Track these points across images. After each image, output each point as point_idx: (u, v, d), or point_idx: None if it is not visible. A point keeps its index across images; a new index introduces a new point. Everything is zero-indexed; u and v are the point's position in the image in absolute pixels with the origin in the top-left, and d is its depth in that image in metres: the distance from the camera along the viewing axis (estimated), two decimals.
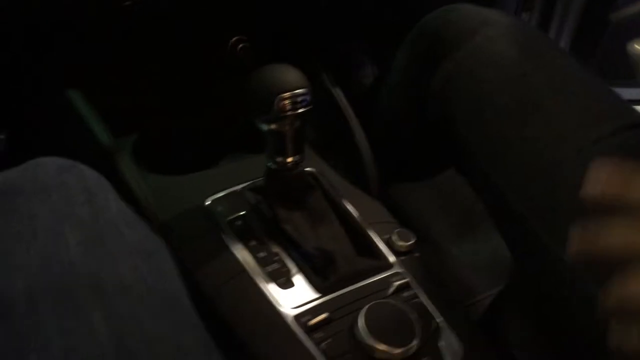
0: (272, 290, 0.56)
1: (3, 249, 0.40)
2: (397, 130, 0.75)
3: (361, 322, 0.52)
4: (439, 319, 0.56)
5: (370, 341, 0.51)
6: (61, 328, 0.36)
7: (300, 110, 0.55)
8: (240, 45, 0.78)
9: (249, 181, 0.66)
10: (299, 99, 0.55)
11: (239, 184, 0.66)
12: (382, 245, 0.62)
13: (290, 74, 0.55)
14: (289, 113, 0.55)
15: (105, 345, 0.36)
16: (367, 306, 0.53)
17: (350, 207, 0.65)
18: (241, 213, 0.63)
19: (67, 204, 0.44)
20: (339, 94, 0.75)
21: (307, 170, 0.67)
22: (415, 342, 0.52)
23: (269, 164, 0.60)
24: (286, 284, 0.57)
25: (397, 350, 0.51)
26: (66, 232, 0.42)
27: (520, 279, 0.69)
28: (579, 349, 0.55)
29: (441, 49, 0.65)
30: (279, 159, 0.58)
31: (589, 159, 0.32)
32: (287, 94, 0.54)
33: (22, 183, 0.44)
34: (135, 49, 0.68)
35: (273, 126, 0.56)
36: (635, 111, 0.57)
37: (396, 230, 0.63)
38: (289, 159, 0.59)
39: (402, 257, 0.62)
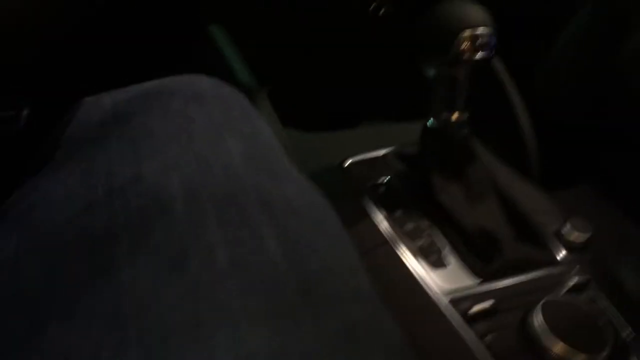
0: (422, 268, 0.47)
1: (154, 146, 0.34)
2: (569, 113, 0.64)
3: (538, 317, 0.42)
4: (627, 329, 0.45)
5: (548, 341, 0.41)
6: (226, 236, 0.29)
7: (482, 55, 0.46)
8: (382, 10, 0.71)
9: (391, 147, 0.57)
10: (483, 40, 0.46)
11: (379, 149, 0.57)
12: (551, 236, 0.51)
13: (475, 10, 0.47)
14: (468, 57, 0.46)
15: (278, 262, 0.29)
16: (544, 300, 0.43)
17: (514, 190, 0.55)
18: (384, 179, 0.54)
19: (225, 115, 0.38)
20: (498, 65, 0.65)
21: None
22: (605, 351, 0.41)
23: (429, 122, 0.51)
24: (438, 262, 0.47)
25: (580, 356, 0.41)
26: (227, 139, 0.35)
27: None
28: None
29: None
30: (445, 114, 0.50)
31: None
32: (471, 32, 0.45)
33: (178, 88, 0.38)
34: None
35: (446, 71, 0.47)
36: None
37: (569, 219, 0.52)
38: (456, 115, 0.50)
39: (576, 253, 0.50)
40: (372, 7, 0.71)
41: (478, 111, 0.66)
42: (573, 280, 0.47)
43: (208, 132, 0.35)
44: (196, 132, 0.35)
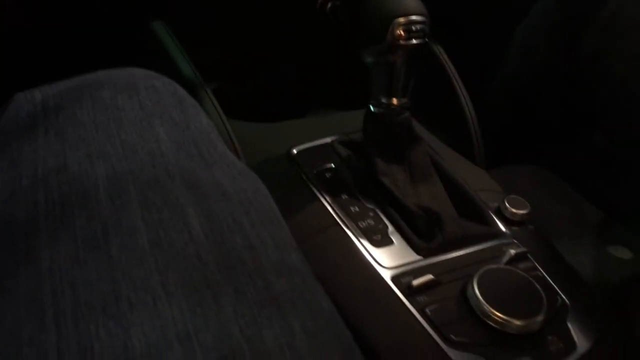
0: (366, 246, 0.48)
1: (81, 136, 0.34)
2: (527, 91, 0.66)
3: (476, 286, 0.44)
4: (563, 295, 0.47)
5: (487, 309, 0.43)
6: (149, 219, 0.30)
7: (418, 41, 0.48)
8: (330, 5, 0.72)
9: (337, 135, 0.59)
10: (417, 26, 0.48)
11: (326, 136, 0.59)
12: (490, 212, 0.53)
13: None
14: (404, 42, 0.48)
15: (201, 243, 0.30)
16: (482, 269, 0.45)
17: (454, 170, 0.57)
18: (331, 165, 0.55)
19: (156, 104, 0.38)
20: (440, 50, 0.67)
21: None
22: (540, 316, 0.43)
23: (370, 106, 0.53)
24: (382, 241, 0.49)
25: (520, 322, 0.42)
26: (157, 127, 0.36)
27: None
28: None
29: None
30: (385, 100, 0.51)
31: None
32: (404, 19, 0.47)
33: (109, 80, 0.39)
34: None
35: (383, 58, 0.49)
36: None
37: (508, 197, 0.54)
38: (396, 101, 0.51)
39: (515, 228, 0.53)
40: (319, 3, 0.72)
41: (423, 94, 0.68)
42: (511, 253, 0.49)
43: (137, 121, 0.36)
44: (125, 120, 0.36)
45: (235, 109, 0.62)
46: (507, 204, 0.54)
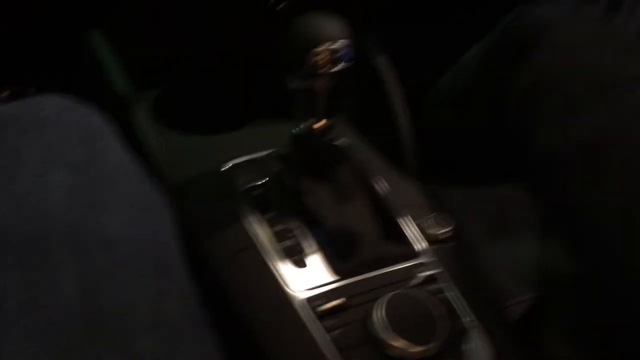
0: (284, 268, 0.50)
1: None
2: (455, 128, 0.67)
3: (378, 313, 0.46)
4: (467, 318, 0.49)
5: (385, 335, 0.45)
6: (23, 280, 0.32)
7: (338, 67, 0.49)
8: (280, 5, 0.72)
9: (274, 148, 0.60)
10: (338, 53, 0.48)
11: (262, 150, 0.60)
12: (413, 230, 0.55)
13: (329, 25, 0.48)
14: (324, 70, 0.48)
15: (71, 303, 0.32)
16: (386, 296, 0.47)
17: (382, 186, 0.58)
18: (261, 182, 0.57)
19: (61, 144, 0.39)
20: (382, 62, 0.68)
21: (341, 142, 0.60)
22: (436, 341, 0.45)
23: (294, 129, 0.54)
24: (300, 262, 0.51)
25: (415, 349, 0.45)
26: (51, 174, 0.37)
27: (572, 291, 0.62)
28: None
29: (524, 53, 0.57)
30: (307, 123, 0.52)
31: None
32: (322, 48, 0.47)
33: (18, 117, 0.40)
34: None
35: (305, 83, 0.50)
36: None
37: (432, 214, 0.56)
38: (318, 124, 0.52)
39: (435, 246, 0.55)
40: (271, 2, 0.72)
41: (363, 106, 0.70)
42: (422, 275, 0.51)
43: (36, 166, 0.37)
44: (20, 170, 0.37)
45: (174, 119, 0.64)
46: (428, 223, 0.55)
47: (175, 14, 0.64)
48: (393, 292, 0.48)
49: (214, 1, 0.66)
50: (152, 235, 0.39)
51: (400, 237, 0.55)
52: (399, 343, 0.45)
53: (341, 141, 0.61)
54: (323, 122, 0.53)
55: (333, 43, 0.48)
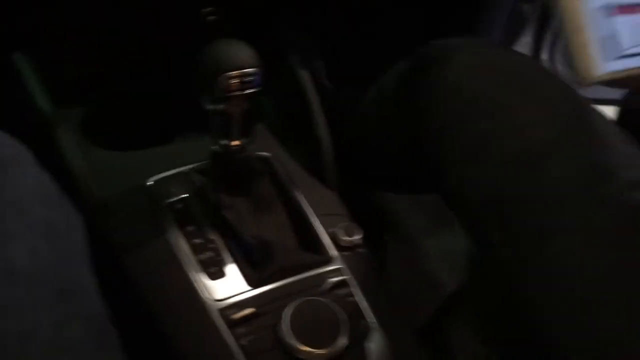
0: (201, 280, 0.54)
1: None
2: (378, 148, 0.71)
3: (285, 320, 0.50)
4: (371, 319, 0.54)
5: (292, 340, 0.50)
6: None
7: (247, 92, 0.52)
8: (212, 17, 0.75)
9: (198, 162, 0.63)
10: (247, 79, 0.52)
11: (187, 164, 0.63)
12: (325, 239, 0.60)
13: (238, 51, 0.52)
14: (235, 94, 0.52)
15: None
16: (292, 303, 0.51)
17: (300, 197, 0.62)
18: (184, 196, 0.60)
19: None
20: (305, 77, 0.72)
21: (259, 155, 0.64)
22: (339, 343, 0.50)
23: (213, 147, 0.57)
24: (217, 274, 0.55)
25: (319, 351, 0.50)
26: None
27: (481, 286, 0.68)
28: None
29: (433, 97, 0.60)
30: (224, 142, 0.56)
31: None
32: (233, 73, 0.51)
33: None
34: (93, 8, 0.65)
35: (217, 107, 0.53)
36: None
37: (342, 224, 0.60)
38: (234, 143, 0.56)
39: (345, 253, 0.59)
40: (205, 11, 0.74)
41: (281, 119, 0.73)
42: (332, 281, 0.55)
43: None
44: None
45: (98, 136, 0.66)
46: (340, 231, 0.60)
47: (100, 32, 0.66)
48: (301, 299, 0.52)
49: (138, 16, 0.68)
50: (59, 262, 0.41)
51: (314, 246, 0.59)
52: (303, 347, 0.49)
53: (260, 154, 0.65)
54: (238, 141, 0.56)
55: (243, 69, 0.51)
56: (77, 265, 0.43)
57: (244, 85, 0.52)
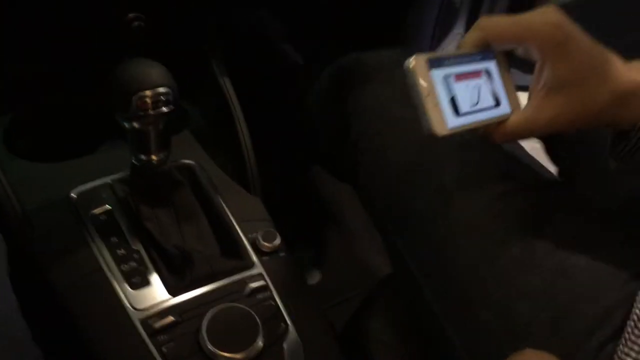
0: (124, 290, 0.56)
1: None
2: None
3: (204, 327, 0.53)
4: (288, 321, 0.58)
5: (211, 346, 0.52)
6: None
7: (162, 110, 0.54)
8: (136, 24, 0.76)
9: (121, 172, 0.65)
10: (161, 97, 0.53)
11: (110, 175, 0.65)
12: (246, 245, 0.62)
13: (151, 71, 0.53)
14: (150, 112, 0.53)
15: None
16: (211, 311, 0.54)
17: (222, 204, 0.65)
18: (107, 207, 0.62)
19: None
20: (226, 84, 0.74)
21: (181, 163, 0.66)
22: (256, 346, 0.53)
23: (133, 160, 0.59)
24: (140, 283, 0.57)
25: (237, 355, 0.53)
26: None
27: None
28: None
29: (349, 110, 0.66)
30: (143, 157, 0.58)
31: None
32: (146, 92, 0.52)
33: None
34: (16, 16, 0.65)
35: (133, 124, 0.55)
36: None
37: (262, 230, 0.63)
38: (153, 157, 0.58)
39: (265, 258, 0.62)
40: (131, 17, 0.75)
41: (205, 127, 0.75)
42: (251, 286, 0.59)
43: None
44: None
45: (20, 147, 0.67)
46: (260, 236, 0.63)
47: (19, 41, 0.66)
48: (219, 306, 0.55)
49: (61, 21, 0.68)
50: None
51: (235, 252, 0.62)
52: (222, 352, 0.52)
53: (182, 162, 0.67)
54: (157, 155, 0.58)
55: (154, 89, 0.53)
56: None
57: (157, 104, 0.54)
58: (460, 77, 0.46)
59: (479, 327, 0.52)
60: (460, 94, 0.46)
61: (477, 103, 0.47)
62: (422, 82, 0.43)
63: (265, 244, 0.63)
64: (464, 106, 0.46)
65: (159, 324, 0.54)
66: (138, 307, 0.55)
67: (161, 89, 0.53)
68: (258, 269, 0.61)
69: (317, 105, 0.74)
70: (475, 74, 0.48)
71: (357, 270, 1.01)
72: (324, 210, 0.96)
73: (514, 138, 0.50)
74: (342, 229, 1.05)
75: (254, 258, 0.62)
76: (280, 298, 0.60)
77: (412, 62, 0.44)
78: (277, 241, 0.63)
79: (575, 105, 0.47)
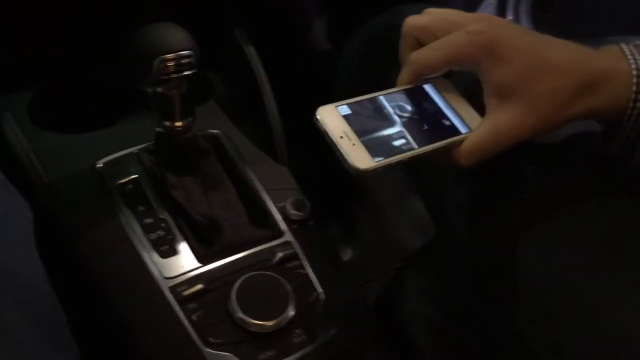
0: (152, 258, 0.55)
1: None
2: None
3: (233, 295, 0.52)
4: (320, 290, 0.56)
5: (241, 314, 0.51)
6: None
7: (184, 73, 0.53)
8: None
9: (147, 142, 0.64)
10: (183, 61, 0.52)
11: (136, 145, 0.64)
12: (275, 214, 0.61)
13: (172, 34, 0.52)
14: (172, 76, 0.52)
15: None
16: (241, 279, 0.53)
17: (249, 173, 0.63)
18: (133, 176, 0.61)
19: None
20: (251, 51, 0.72)
21: (206, 132, 0.65)
22: (286, 315, 0.52)
23: (157, 128, 0.58)
24: (168, 252, 0.56)
25: (268, 323, 0.51)
26: None
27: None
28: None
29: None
30: (167, 123, 0.57)
31: None
32: (168, 56, 0.51)
33: None
34: None
35: (156, 89, 0.54)
36: None
37: (291, 198, 0.62)
38: (177, 123, 0.57)
39: (295, 227, 0.61)
40: None
41: (232, 95, 0.74)
42: (280, 255, 0.57)
43: None
44: None
45: (45, 120, 0.66)
46: (289, 205, 0.61)
47: (41, 14, 0.65)
48: (249, 273, 0.54)
49: None
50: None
51: (263, 221, 0.60)
52: (252, 320, 0.51)
53: (208, 131, 0.65)
54: (182, 121, 0.57)
55: (175, 53, 0.51)
56: (16, 253, 0.44)
57: (180, 67, 0.52)
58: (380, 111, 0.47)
59: None
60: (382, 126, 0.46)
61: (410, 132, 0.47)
62: (330, 127, 0.44)
63: (295, 212, 0.61)
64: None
65: (188, 291, 0.53)
66: (167, 275, 0.54)
67: (183, 52, 0.52)
68: (287, 237, 0.59)
69: (346, 71, 0.71)
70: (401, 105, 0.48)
71: (389, 245, 0.99)
72: (353, 182, 0.94)
73: (479, 156, 0.47)
74: (373, 201, 1.03)
75: (283, 226, 0.60)
76: (311, 267, 0.58)
77: (318, 113, 0.44)
78: (307, 209, 0.61)
79: (532, 106, 0.44)
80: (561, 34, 0.48)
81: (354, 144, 0.44)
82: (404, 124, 0.47)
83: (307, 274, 0.57)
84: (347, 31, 0.71)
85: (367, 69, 0.67)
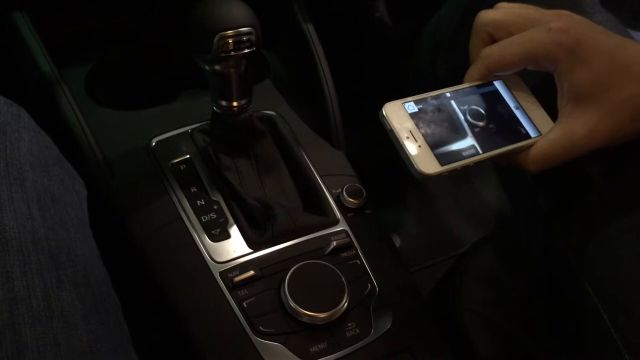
0: (203, 241, 0.54)
1: None
2: None
3: (286, 284, 0.50)
4: (374, 282, 0.54)
5: (293, 304, 0.49)
6: None
7: (243, 52, 0.51)
8: None
9: (202, 121, 0.62)
10: (243, 38, 0.50)
11: (191, 124, 0.62)
12: (330, 200, 0.58)
13: (233, 10, 0.50)
14: (232, 54, 0.50)
15: None
16: (294, 267, 0.51)
17: (304, 157, 0.61)
18: (187, 156, 0.59)
19: None
20: (310, 29, 0.69)
21: (262, 114, 0.63)
22: (340, 307, 0.50)
23: (213, 108, 0.56)
24: (220, 235, 0.54)
25: (321, 315, 0.49)
26: None
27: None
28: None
29: None
30: (224, 103, 0.55)
31: None
32: (229, 33, 0.49)
33: None
34: None
35: (215, 67, 0.52)
36: None
37: (347, 185, 0.59)
38: (234, 103, 0.55)
39: (350, 215, 0.58)
40: None
41: (289, 78, 0.71)
42: (334, 243, 0.55)
43: None
44: None
45: (100, 96, 0.65)
46: (345, 192, 0.59)
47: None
48: (303, 262, 0.52)
49: None
50: (52, 228, 0.40)
51: (318, 207, 0.58)
52: (305, 310, 0.49)
53: (264, 113, 0.63)
54: (239, 101, 0.55)
55: (237, 29, 0.49)
56: (72, 231, 0.43)
57: (239, 45, 0.50)
58: (445, 111, 0.45)
59: None
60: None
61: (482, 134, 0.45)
62: (397, 126, 0.43)
63: (351, 199, 0.58)
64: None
65: (239, 277, 0.51)
66: (218, 259, 0.53)
67: (244, 29, 0.50)
68: (342, 225, 0.57)
69: (430, 49, 0.67)
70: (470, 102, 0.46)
71: (437, 238, 0.96)
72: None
73: (549, 163, 0.44)
74: (425, 193, 1.00)
75: (338, 214, 0.58)
76: (366, 257, 0.55)
77: (384, 110, 0.43)
78: (364, 197, 0.59)
79: (610, 114, 0.42)
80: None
81: (419, 146, 0.43)
82: (471, 125, 0.45)
83: (362, 265, 0.55)
84: (416, 8, 0.67)
85: (457, 41, 0.63)
